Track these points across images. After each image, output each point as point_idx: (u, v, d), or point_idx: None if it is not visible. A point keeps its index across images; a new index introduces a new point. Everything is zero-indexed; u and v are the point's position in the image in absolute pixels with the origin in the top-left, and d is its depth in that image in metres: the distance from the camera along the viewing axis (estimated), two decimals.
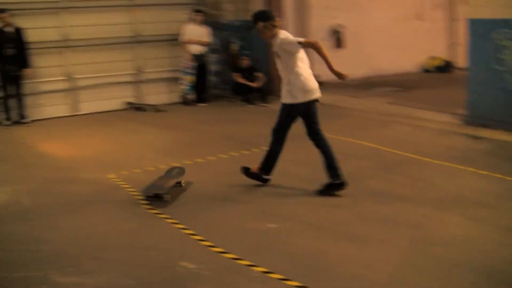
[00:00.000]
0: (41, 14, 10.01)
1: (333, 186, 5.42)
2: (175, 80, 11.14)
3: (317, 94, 5.44)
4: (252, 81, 10.70)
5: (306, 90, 5.34)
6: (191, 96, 11.01)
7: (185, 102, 11.04)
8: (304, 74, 5.37)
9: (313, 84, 5.42)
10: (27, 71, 9.53)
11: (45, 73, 10.06)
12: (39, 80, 10.01)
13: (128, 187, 5.80)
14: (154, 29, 11.04)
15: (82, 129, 9.13)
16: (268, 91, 10.69)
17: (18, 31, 9.43)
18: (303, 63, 5.41)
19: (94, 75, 10.51)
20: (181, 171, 5.87)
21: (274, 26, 5.36)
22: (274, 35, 5.37)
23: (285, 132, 5.52)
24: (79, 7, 10.29)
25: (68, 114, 10.28)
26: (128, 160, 6.97)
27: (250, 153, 6.98)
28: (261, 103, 10.57)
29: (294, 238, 4.43)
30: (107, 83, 10.66)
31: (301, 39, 5.28)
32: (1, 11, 9.36)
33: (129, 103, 10.77)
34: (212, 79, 11.72)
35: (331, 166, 5.43)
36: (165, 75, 11.23)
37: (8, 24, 9.36)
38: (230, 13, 11.67)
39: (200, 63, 10.95)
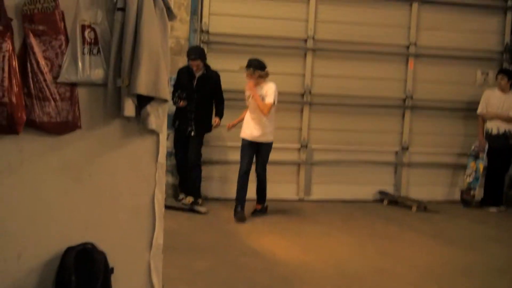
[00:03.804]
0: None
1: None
2: (456, 168, 11.09)
3: None
4: None
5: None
6: (476, 193, 10.70)
7: (466, 201, 10.75)
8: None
9: None
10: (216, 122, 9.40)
11: None
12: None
13: None
14: (432, 91, 10.98)
15: (311, 222, 9.23)
16: None
17: (212, 76, 9.31)
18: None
19: (335, 147, 10.72)
20: None
21: (267, 75, 8.62)
22: (263, 81, 8.62)
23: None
24: (326, 49, 10.49)
25: (294, 198, 10.54)
26: (381, 280, 6.76)
27: None
28: None
29: None
30: (354, 161, 10.83)
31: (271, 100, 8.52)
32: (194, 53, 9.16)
33: (383, 193, 10.76)
34: None
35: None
36: (441, 159, 11.15)
37: (199, 68, 9.25)
38: None
39: (500, 146, 10.55)
